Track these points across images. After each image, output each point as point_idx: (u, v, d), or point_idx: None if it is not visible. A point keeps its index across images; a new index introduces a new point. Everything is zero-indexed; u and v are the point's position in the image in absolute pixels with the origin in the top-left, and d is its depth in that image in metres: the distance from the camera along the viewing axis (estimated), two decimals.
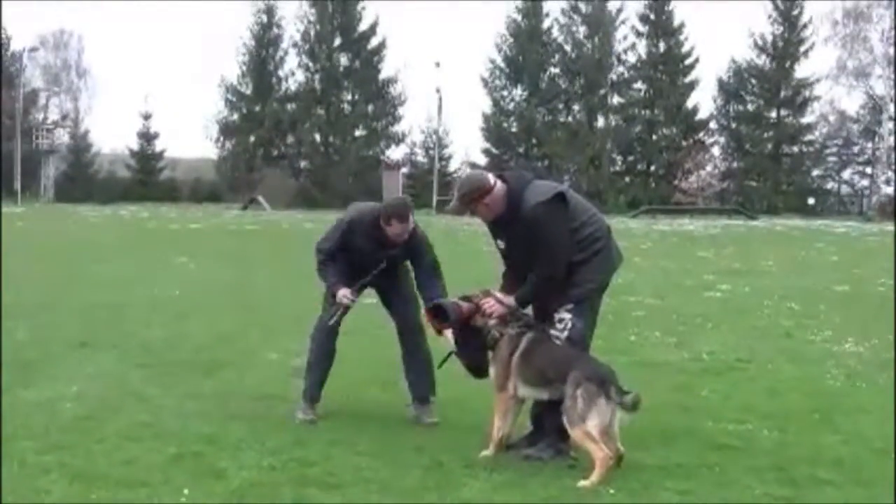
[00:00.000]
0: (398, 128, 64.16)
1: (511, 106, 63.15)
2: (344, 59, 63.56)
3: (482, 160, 62.86)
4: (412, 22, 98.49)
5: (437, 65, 57.48)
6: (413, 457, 5.80)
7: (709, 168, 65.69)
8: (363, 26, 63.40)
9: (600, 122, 63.32)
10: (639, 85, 64.35)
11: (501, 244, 6.24)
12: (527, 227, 5.95)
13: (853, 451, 6.12)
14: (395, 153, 64.18)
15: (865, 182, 65.47)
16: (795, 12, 62.71)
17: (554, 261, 5.97)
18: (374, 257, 6.77)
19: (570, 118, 63.25)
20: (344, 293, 6.76)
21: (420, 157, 64.14)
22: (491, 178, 6.11)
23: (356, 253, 6.81)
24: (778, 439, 6.39)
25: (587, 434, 5.48)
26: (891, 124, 61.79)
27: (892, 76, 60.82)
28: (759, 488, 5.31)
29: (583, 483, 5.33)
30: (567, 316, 6.01)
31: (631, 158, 64.24)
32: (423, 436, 6.30)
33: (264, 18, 64.36)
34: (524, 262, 6.14)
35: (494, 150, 62.44)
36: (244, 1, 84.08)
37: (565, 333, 6.01)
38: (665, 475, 5.53)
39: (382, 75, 63.57)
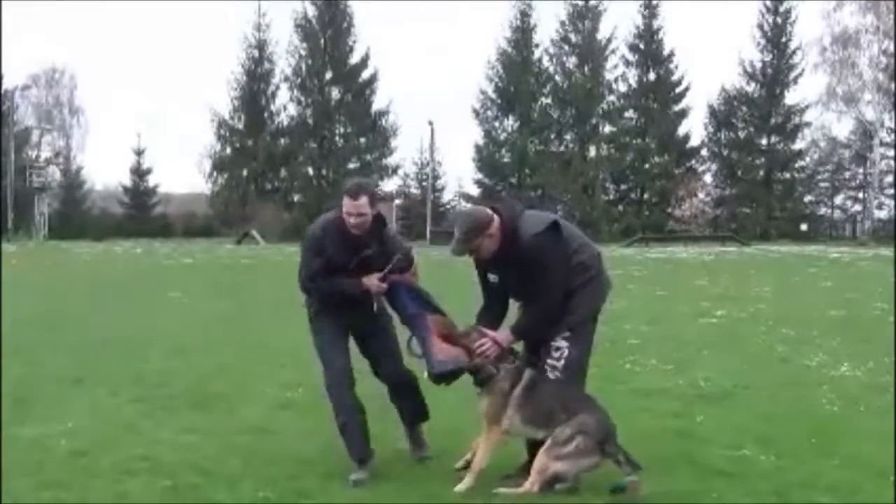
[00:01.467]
0: (391, 160, 64.35)
1: (503, 136, 63.28)
2: (336, 93, 63.74)
3: (475, 191, 63.01)
4: (402, 53, 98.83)
5: (430, 123, 57.68)
6: (409, 489, 5.78)
7: (701, 195, 65.80)
8: (354, 59, 63.66)
9: (592, 151, 63.47)
10: (630, 113, 64.57)
11: (494, 278, 6.19)
12: (525, 260, 5.93)
13: (850, 475, 6.11)
14: (388, 185, 64.28)
15: (858, 207, 65.61)
16: (784, 39, 63.01)
17: (554, 291, 5.97)
18: (351, 263, 6.34)
19: (562, 147, 63.39)
20: (373, 282, 6.34)
21: (413, 189, 64.29)
22: (489, 210, 6.08)
23: (333, 266, 6.34)
24: (775, 464, 6.38)
25: (550, 473, 5.51)
26: (881, 149, 62.06)
27: (882, 101, 61.14)
28: None
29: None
30: (564, 344, 6.01)
31: (624, 187, 64.37)
32: (419, 468, 6.28)
33: (255, 53, 64.61)
34: (516, 294, 6.14)
35: (487, 181, 62.54)
36: (237, 25, 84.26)
37: (561, 362, 5.99)
38: (661, 500, 5.51)
39: (374, 107, 63.80)
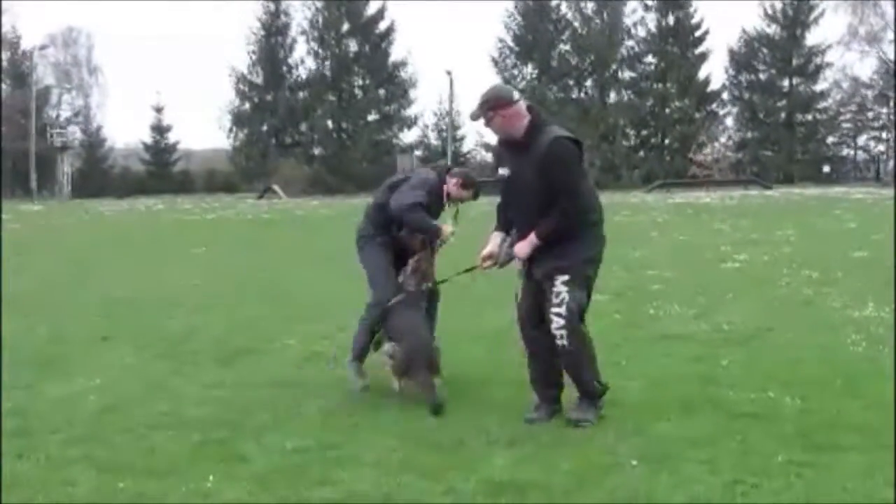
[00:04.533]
0: (410, 111, 64.17)
1: (522, 84, 62.85)
2: (353, 45, 63.46)
3: (494, 140, 62.64)
4: (419, 3, 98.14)
5: (449, 73, 57.19)
6: (435, 436, 5.81)
7: (723, 139, 65.38)
8: (370, 10, 63.27)
9: (612, 97, 63.12)
10: (649, 59, 64.11)
11: (505, 172, 6.29)
12: (549, 156, 5.98)
13: (876, 415, 6.09)
14: (408, 136, 64.18)
15: (881, 147, 65.08)
16: None
17: (574, 195, 6.06)
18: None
19: (581, 94, 63.04)
20: (448, 229, 7.38)
21: (433, 140, 64.06)
22: (516, 94, 6.22)
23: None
24: (800, 407, 6.37)
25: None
26: None
27: None
28: (781, 455, 5.29)
29: None
30: (563, 289, 6.06)
31: (644, 133, 64.04)
32: (445, 415, 6.30)
33: (272, 7, 64.29)
34: (523, 194, 6.16)
35: None
36: None
37: (563, 308, 6.05)
38: (687, 445, 5.52)
39: (392, 59, 63.48)
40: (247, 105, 63.94)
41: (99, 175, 65.51)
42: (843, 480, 4.94)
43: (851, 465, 5.17)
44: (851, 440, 5.57)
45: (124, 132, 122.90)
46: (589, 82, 62.78)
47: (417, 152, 60.66)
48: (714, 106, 64.63)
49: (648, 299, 11.24)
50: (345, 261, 16.64)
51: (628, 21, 63.18)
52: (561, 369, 6.30)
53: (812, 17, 62.34)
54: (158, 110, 66.37)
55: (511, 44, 62.47)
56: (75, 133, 68.08)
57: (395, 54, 63.52)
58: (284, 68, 64.20)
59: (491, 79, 66.05)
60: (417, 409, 6.47)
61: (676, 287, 12.31)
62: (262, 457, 5.48)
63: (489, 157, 64.15)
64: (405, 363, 6.75)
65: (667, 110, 62.80)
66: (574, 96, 62.64)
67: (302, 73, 64.48)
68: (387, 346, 6.99)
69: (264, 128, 63.32)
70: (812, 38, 62.65)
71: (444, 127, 62.26)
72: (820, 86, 63.65)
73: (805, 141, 63.02)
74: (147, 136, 66.90)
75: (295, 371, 7.81)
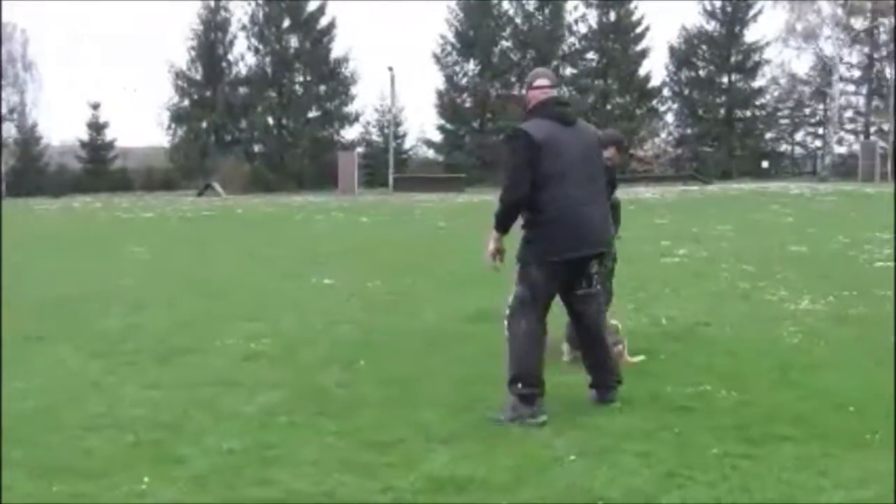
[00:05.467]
0: (352, 108, 63.77)
1: (464, 81, 62.92)
2: (294, 41, 62.98)
3: (437, 136, 62.73)
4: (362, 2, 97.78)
5: (390, 70, 56.89)
6: (375, 434, 5.80)
7: (663, 135, 65.92)
8: (311, 6, 62.88)
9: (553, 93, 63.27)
10: (591, 55, 64.34)
11: None
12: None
13: (811, 406, 6.19)
14: (350, 133, 63.82)
15: (818, 143, 66.01)
16: None
17: (504, 186, 6.32)
18: None
19: (523, 91, 63.01)
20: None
21: (375, 137, 63.81)
22: (539, 80, 6.66)
23: None
24: (737, 399, 6.45)
25: None
26: (841, 84, 62.39)
27: (841, 36, 61.38)
28: (718, 448, 5.36)
29: None
30: (515, 278, 6.32)
31: None
32: (383, 413, 6.29)
33: (212, 2, 63.67)
34: None
35: (449, 126, 62.25)
36: None
37: (509, 298, 6.35)
38: (625, 439, 5.57)
39: (333, 55, 63.13)
40: (186, 102, 63.26)
41: (34, 173, 64.41)
42: (777, 471, 5.01)
43: (786, 456, 5.25)
44: (786, 431, 5.65)
45: (60, 129, 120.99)
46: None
47: (359, 149, 60.33)
48: (655, 102, 65.03)
49: None
50: (285, 259, 16.67)
51: (570, 17, 63.35)
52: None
53: (751, 14, 62.96)
54: (95, 107, 65.39)
55: (453, 40, 62.37)
56: (10, 130, 66.92)
57: (337, 50, 63.22)
58: (224, 64, 63.53)
59: (433, 75, 66.24)
60: (357, 407, 6.45)
61: (616, 282, 12.36)
62: (199, 457, 5.43)
63: (431, 153, 64.23)
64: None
65: (608, 106, 63.12)
66: (516, 92, 62.70)
67: (242, 69, 63.85)
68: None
69: (204, 125, 62.62)
70: (750, 35, 63.29)
71: (386, 124, 61.99)
72: (758, 82, 64.32)
73: (744, 137, 63.67)
74: (84, 134, 65.96)
75: (234, 370, 7.74)
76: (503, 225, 6.41)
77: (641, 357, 7.70)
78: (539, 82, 6.54)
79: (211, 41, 63.08)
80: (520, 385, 6.12)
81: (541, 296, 6.30)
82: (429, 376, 7.32)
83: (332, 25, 62.98)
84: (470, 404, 6.44)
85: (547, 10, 62.23)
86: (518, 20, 63.00)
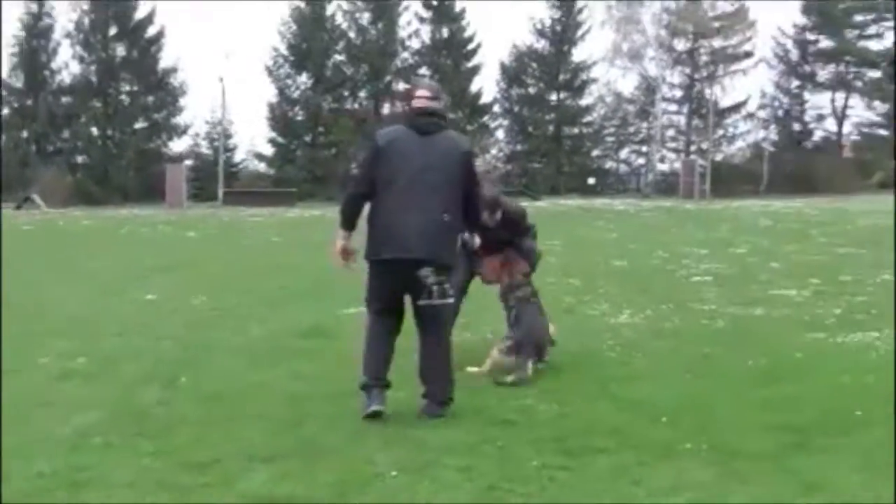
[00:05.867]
0: (180, 119, 62.54)
1: (297, 94, 62.51)
2: (120, 49, 61.42)
3: (269, 150, 62.12)
4: (191, 8, 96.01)
5: (227, 56, 56.12)
6: (193, 454, 5.67)
7: (494, 151, 66.90)
8: (139, 14, 61.43)
9: (386, 108, 63.48)
10: (424, 70, 64.83)
11: None
12: None
13: (627, 418, 6.36)
14: (178, 145, 62.53)
15: (642, 160, 68.13)
16: None
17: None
18: None
19: (356, 105, 63.19)
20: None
21: (205, 149, 62.69)
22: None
23: None
24: (557, 412, 6.58)
25: None
26: (664, 104, 64.66)
27: (664, 57, 63.65)
28: (537, 460, 5.45)
29: None
30: None
31: None
32: (204, 432, 6.17)
33: (34, 7, 61.48)
34: None
35: (281, 140, 61.70)
36: None
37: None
38: (448, 453, 5.60)
39: (162, 65, 61.81)
40: (6, 110, 60.88)
41: None
42: (593, 482, 5.13)
43: (602, 466, 5.38)
44: (604, 443, 5.79)
45: None
46: (363, 93, 63.05)
47: (188, 161, 59.17)
48: (486, 118, 66.01)
49: None
50: (107, 274, 16.18)
51: (403, 33, 63.81)
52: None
53: (579, 33, 64.72)
54: None
55: (285, 52, 61.94)
56: None
57: (166, 60, 61.96)
58: (47, 72, 61.48)
59: (265, 87, 65.42)
60: (176, 426, 6.31)
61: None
62: (5, 484, 5.18)
63: (262, 167, 63.45)
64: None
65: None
66: (348, 106, 62.73)
67: (66, 77, 61.93)
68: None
69: (24, 134, 60.45)
70: (579, 54, 65.03)
71: (216, 136, 61.06)
72: (585, 100, 66.00)
73: (571, 153, 65.18)
74: None
75: (48, 390, 7.45)
76: (342, 222, 6.76)
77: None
78: (418, 93, 6.68)
79: (33, 48, 60.88)
80: (361, 374, 6.54)
81: (374, 294, 6.64)
82: (253, 393, 7.21)
83: (160, 34, 61.68)
84: (295, 421, 6.38)
85: (380, 25, 62.44)
86: (351, 34, 63.00)
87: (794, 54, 68.27)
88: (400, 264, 6.45)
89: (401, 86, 62.96)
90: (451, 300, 6.68)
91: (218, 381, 7.62)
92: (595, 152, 67.18)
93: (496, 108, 66.19)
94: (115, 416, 6.59)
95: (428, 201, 6.40)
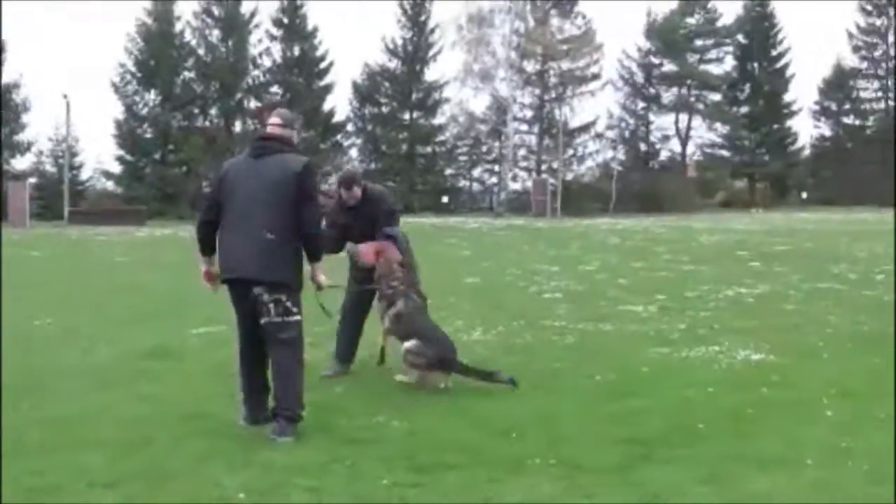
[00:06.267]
0: (23, 136, 60.48)
1: (145, 111, 61.20)
2: None
3: (117, 168, 60.64)
4: (35, 24, 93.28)
5: (66, 97, 54.24)
6: (32, 481, 5.44)
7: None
8: None
9: (238, 126, 62.76)
10: (276, 88, 64.38)
11: None
12: None
13: (478, 434, 6.39)
14: (21, 163, 60.43)
15: (494, 179, 68.99)
16: (423, 17, 65.21)
17: None
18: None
19: (206, 123, 62.26)
20: None
21: (49, 167, 60.79)
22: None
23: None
24: (408, 429, 6.56)
25: None
26: (515, 124, 65.69)
27: (514, 78, 64.66)
28: (387, 478, 5.42)
29: None
30: None
31: None
32: (43, 458, 5.92)
33: None
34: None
35: (129, 157, 60.26)
36: None
37: None
38: (296, 474, 5.53)
39: (3, 81, 59.69)
40: None
41: None
42: (443, 497, 5.13)
43: (453, 483, 5.39)
44: (454, 459, 5.80)
45: None
46: (214, 110, 62.17)
47: (32, 179, 57.20)
48: (339, 137, 65.92)
49: None
50: None
51: (254, 50, 63.25)
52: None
53: (431, 53, 65.33)
54: None
55: (132, 69, 60.63)
56: None
57: (7, 76, 59.87)
58: None
59: (112, 104, 63.89)
60: (15, 453, 6.05)
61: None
62: None
63: (110, 185, 61.81)
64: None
65: None
66: (199, 124, 61.73)
67: None
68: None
69: None
70: (431, 73, 65.69)
71: (61, 153, 59.29)
72: (438, 120, 66.67)
73: (425, 172, 65.62)
74: None
75: None
76: (199, 248, 6.96)
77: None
78: (270, 119, 7.01)
79: None
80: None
81: (235, 312, 6.84)
82: (98, 416, 6.99)
83: (0, 50, 59.59)
84: (139, 444, 6.20)
85: (230, 43, 61.71)
86: (201, 51, 62.11)
87: (640, 77, 70.41)
88: (237, 284, 6.65)
89: (252, 104, 62.43)
90: (294, 318, 6.64)
91: (61, 405, 7.36)
92: (448, 171, 67.81)
93: (349, 127, 66.19)
94: None
95: (253, 222, 6.55)
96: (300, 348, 6.76)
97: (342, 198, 8.57)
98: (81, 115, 72.94)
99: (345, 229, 8.60)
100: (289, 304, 6.58)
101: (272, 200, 6.55)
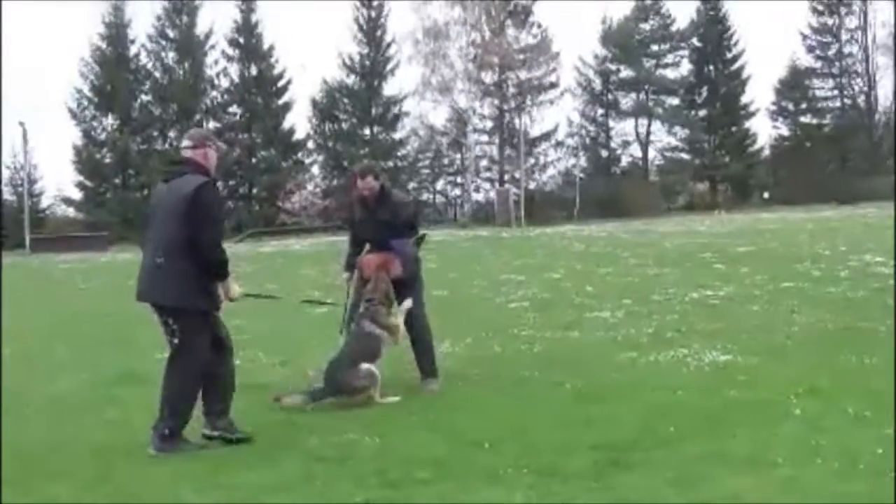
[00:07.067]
0: None
1: (104, 136, 60.80)
2: None
3: (77, 194, 60.22)
4: None
5: (22, 125, 53.84)
6: None
7: (310, 187, 66.58)
8: None
9: None
10: (234, 109, 64.21)
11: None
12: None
13: (449, 446, 6.38)
14: None
15: (457, 191, 69.09)
16: (379, 33, 65.22)
17: None
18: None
19: (166, 145, 61.91)
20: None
21: (7, 195, 60.19)
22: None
23: None
24: (379, 445, 6.53)
25: None
26: (475, 135, 65.81)
27: (472, 89, 64.82)
28: (359, 495, 5.38)
29: None
30: None
31: (232, 183, 63.84)
32: (6, 491, 5.84)
33: None
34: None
35: (89, 183, 59.84)
36: None
37: None
38: (269, 493, 5.50)
39: None
40: None
41: None
42: None
43: (425, 496, 5.38)
44: (426, 473, 5.77)
45: None
46: (173, 133, 61.79)
47: None
48: (300, 154, 65.75)
49: (235, 349, 11.11)
50: None
51: (211, 72, 63.04)
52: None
53: (388, 68, 65.32)
54: None
55: (89, 94, 60.24)
56: None
57: None
58: None
59: (70, 130, 63.33)
60: None
61: (263, 337, 12.29)
62: None
63: (71, 211, 61.31)
64: None
65: (253, 160, 63.12)
66: (158, 147, 61.36)
67: None
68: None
69: None
70: (389, 88, 65.67)
71: (19, 181, 58.78)
72: (399, 134, 66.60)
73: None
74: None
75: None
76: None
77: (396, 398, 7.98)
78: (182, 142, 7.23)
79: None
80: None
81: None
82: (62, 447, 6.91)
83: None
84: (103, 474, 6.13)
85: (187, 64, 61.50)
86: (157, 74, 61.86)
87: (597, 84, 70.73)
88: (155, 308, 6.87)
89: (211, 124, 62.19)
90: (175, 340, 6.76)
91: (24, 435, 7.27)
92: (411, 184, 67.69)
93: (310, 145, 66.04)
94: None
95: (150, 246, 6.81)
96: (185, 373, 6.80)
97: (358, 188, 8.56)
98: (39, 141, 72.21)
99: (360, 226, 8.69)
100: (175, 327, 6.70)
101: (165, 224, 6.71)
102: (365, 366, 7.99)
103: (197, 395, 6.85)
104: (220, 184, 6.94)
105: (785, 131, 73.15)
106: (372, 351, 8.16)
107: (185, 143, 7.15)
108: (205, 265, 6.71)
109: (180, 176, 6.89)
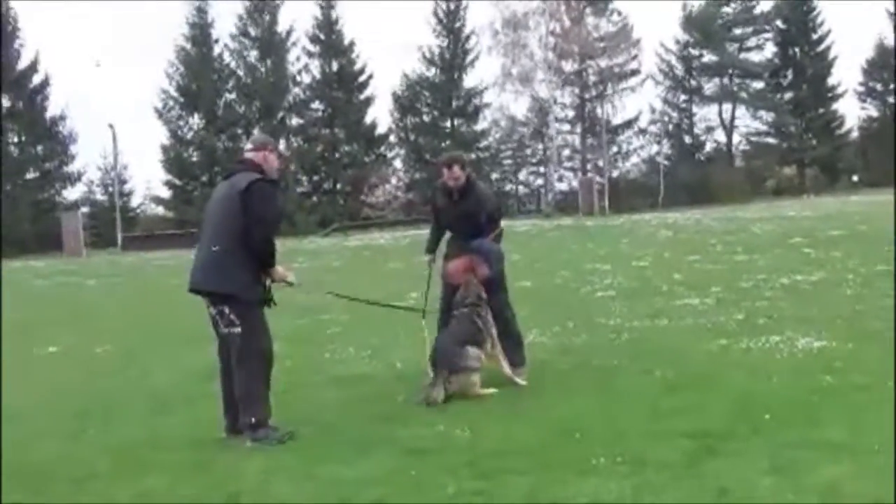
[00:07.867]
0: (73, 167, 61.27)
1: (190, 135, 61.80)
2: (6, 101, 60.05)
3: (165, 192, 61.32)
4: (76, 55, 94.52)
5: (111, 127, 55.08)
6: None
7: (393, 181, 66.99)
8: (23, 63, 60.11)
9: (282, 144, 63.15)
10: (316, 105, 64.73)
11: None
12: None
13: (540, 436, 6.37)
14: (72, 193, 61.24)
15: (540, 181, 68.86)
16: (458, 24, 65.22)
17: None
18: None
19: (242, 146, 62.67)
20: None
21: (99, 196, 61.58)
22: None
23: None
24: (469, 437, 6.55)
25: None
26: (557, 125, 65.52)
27: (553, 79, 64.52)
28: (452, 486, 5.41)
29: None
30: None
31: (316, 178, 64.48)
32: (110, 484, 6.00)
33: None
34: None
35: (178, 182, 60.86)
36: None
37: None
38: (361, 486, 5.54)
39: (49, 113, 60.56)
40: None
41: None
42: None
43: (517, 487, 5.37)
44: (517, 464, 5.77)
45: None
46: (257, 130, 62.44)
47: (84, 209, 57.92)
48: (382, 149, 66.08)
49: (325, 343, 11.27)
50: (5, 328, 15.71)
51: (293, 68, 63.64)
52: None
53: (468, 60, 65.30)
54: None
55: (175, 94, 61.25)
56: None
57: (53, 108, 60.73)
58: None
59: (157, 130, 64.47)
60: (83, 480, 6.11)
61: (352, 330, 12.42)
62: None
63: (160, 210, 62.50)
64: None
65: (336, 155, 63.62)
66: (243, 145, 61.91)
67: None
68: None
69: None
70: (470, 80, 65.63)
71: (110, 182, 60.05)
72: (480, 125, 66.58)
73: None
74: None
75: None
76: None
77: (493, 390, 7.90)
78: (245, 146, 7.55)
79: None
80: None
81: None
82: (159, 440, 7.06)
83: (45, 83, 60.41)
84: (200, 467, 6.24)
85: (269, 62, 62.18)
86: (241, 72, 62.64)
87: (679, 69, 69.89)
88: (198, 294, 7.12)
89: (294, 121, 62.85)
90: (236, 329, 6.86)
91: (125, 429, 7.45)
92: (494, 175, 67.62)
93: (392, 138, 66.32)
94: (8, 478, 6.34)
95: (207, 237, 7.02)
96: (253, 359, 6.86)
97: (444, 178, 8.58)
98: (129, 142, 73.60)
99: (442, 213, 8.76)
100: (232, 316, 6.84)
101: (224, 217, 6.93)
102: (472, 349, 7.99)
103: (269, 378, 6.99)
104: (281, 185, 7.09)
105: (874, 112, 71.46)
106: (476, 338, 8.13)
107: (248, 146, 7.51)
108: (259, 256, 6.93)
109: (233, 173, 7.22)
